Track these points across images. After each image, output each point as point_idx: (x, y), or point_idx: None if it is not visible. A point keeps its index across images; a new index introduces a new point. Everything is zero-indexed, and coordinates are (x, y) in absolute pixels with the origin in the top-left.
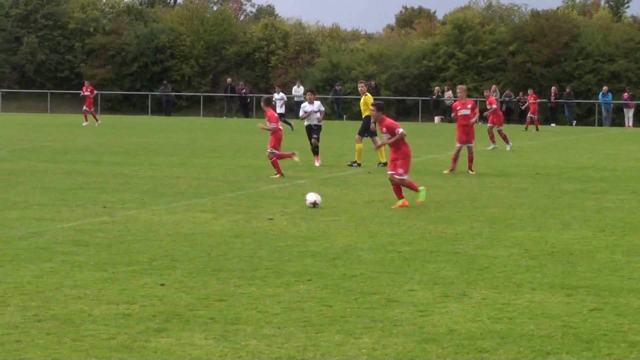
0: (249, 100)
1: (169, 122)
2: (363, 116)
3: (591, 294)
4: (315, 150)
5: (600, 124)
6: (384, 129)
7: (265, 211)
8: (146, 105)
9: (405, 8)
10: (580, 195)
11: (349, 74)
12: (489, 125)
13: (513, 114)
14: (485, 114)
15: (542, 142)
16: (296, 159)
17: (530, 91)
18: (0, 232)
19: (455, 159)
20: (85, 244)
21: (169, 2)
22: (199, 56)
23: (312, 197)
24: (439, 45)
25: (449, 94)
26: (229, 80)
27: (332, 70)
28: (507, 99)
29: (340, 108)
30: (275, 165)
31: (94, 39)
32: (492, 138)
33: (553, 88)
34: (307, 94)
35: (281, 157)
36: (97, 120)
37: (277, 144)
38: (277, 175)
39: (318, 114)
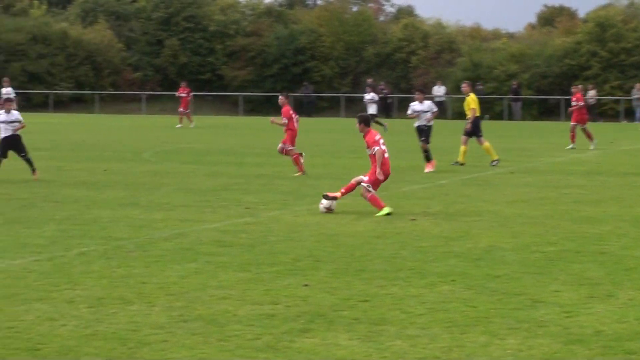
0: (389, 100)
1: (310, 123)
2: (467, 117)
3: None
4: (426, 155)
5: None
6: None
7: (408, 211)
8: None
9: (547, 6)
10: None
11: (491, 73)
12: (572, 123)
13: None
14: (569, 109)
15: None
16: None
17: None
18: (145, 234)
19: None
20: (228, 244)
21: (309, 4)
22: (339, 57)
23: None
24: (581, 44)
25: (592, 92)
26: (369, 81)
27: (473, 70)
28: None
29: (482, 108)
30: (296, 162)
31: (235, 41)
32: (572, 138)
33: None
34: (417, 93)
35: (288, 153)
36: (191, 121)
37: (290, 140)
38: (299, 173)
39: (428, 114)
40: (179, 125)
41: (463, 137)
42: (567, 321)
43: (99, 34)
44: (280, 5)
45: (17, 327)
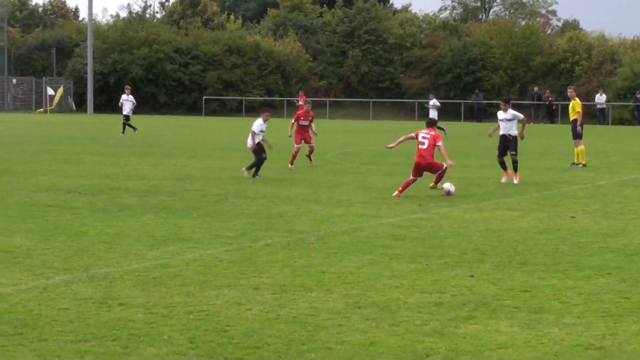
0: (554, 107)
1: (480, 127)
2: (571, 119)
3: None
4: (514, 166)
5: None
6: None
7: (568, 210)
8: (459, 112)
9: None
10: None
11: None
12: None
13: None
14: None
15: None
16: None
17: None
18: (325, 227)
19: None
20: (402, 238)
21: (480, 18)
22: (508, 67)
23: (447, 186)
24: None
25: None
26: (535, 89)
27: (633, 79)
28: None
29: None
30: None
31: (412, 52)
32: None
33: None
34: (502, 102)
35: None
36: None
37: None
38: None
39: (513, 122)
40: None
41: (577, 140)
42: None
43: (288, 46)
44: (455, 19)
45: (208, 311)
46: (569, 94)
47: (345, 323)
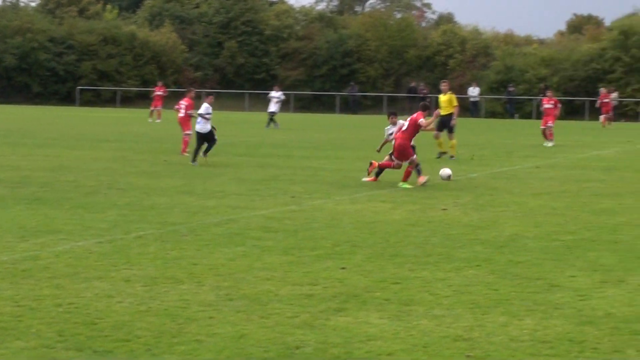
0: (428, 100)
1: (355, 120)
2: (445, 113)
3: None
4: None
5: None
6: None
7: (440, 202)
8: (334, 104)
9: (576, 15)
10: None
11: (522, 76)
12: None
13: None
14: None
15: None
16: None
17: (602, 90)
18: (198, 219)
19: None
20: (274, 230)
21: (357, 10)
22: (383, 59)
23: (446, 172)
24: (605, 50)
25: (614, 95)
26: (413, 84)
27: (505, 73)
28: None
29: (513, 108)
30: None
31: (288, 44)
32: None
33: None
34: (390, 116)
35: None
36: (159, 118)
37: None
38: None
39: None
40: (157, 120)
41: (450, 134)
42: (581, 304)
43: (164, 36)
44: (331, 11)
45: (77, 303)
46: (442, 87)
47: (216, 315)
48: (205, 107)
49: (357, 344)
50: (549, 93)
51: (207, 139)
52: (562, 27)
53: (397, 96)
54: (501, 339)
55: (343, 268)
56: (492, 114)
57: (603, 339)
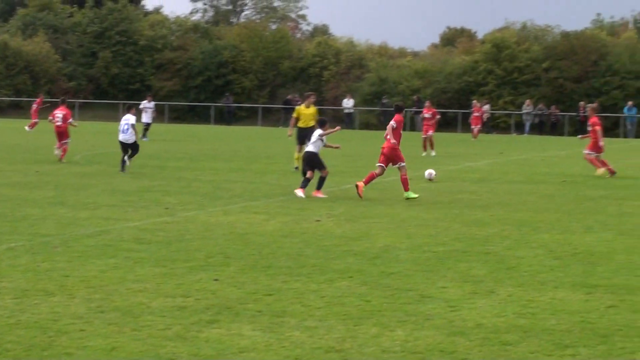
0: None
1: (230, 131)
2: (308, 126)
3: (609, 292)
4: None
5: (625, 136)
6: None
7: (314, 213)
8: (209, 115)
9: (449, 28)
10: (603, 201)
11: (396, 88)
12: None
13: (545, 126)
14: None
15: (570, 151)
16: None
17: (475, 102)
18: (70, 231)
19: None
20: (147, 241)
21: (232, 21)
22: (258, 71)
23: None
24: (478, 63)
25: (486, 107)
26: (289, 96)
27: (379, 85)
28: (540, 112)
29: (387, 120)
30: None
31: (163, 54)
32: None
33: (581, 103)
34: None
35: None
36: (30, 128)
37: None
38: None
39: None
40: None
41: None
42: (452, 315)
43: (38, 46)
44: (206, 22)
45: None
46: (310, 100)
47: (87, 328)
48: (134, 119)
49: (230, 356)
50: (427, 104)
51: (131, 147)
52: (436, 39)
53: (272, 107)
54: (373, 350)
55: (216, 280)
56: (367, 126)
57: (473, 349)
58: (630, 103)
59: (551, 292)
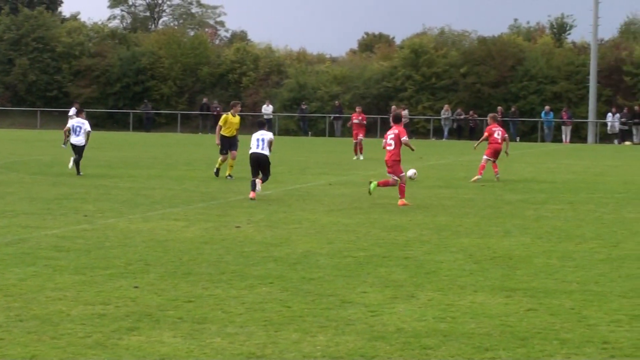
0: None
1: (149, 137)
2: (233, 135)
3: (528, 295)
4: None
5: (543, 140)
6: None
7: (234, 220)
8: (128, 122)
9: (367, 34)
10: (521, 205)
11: (315, 94)
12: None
13: (463, 130)
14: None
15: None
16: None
17: (394, 107)
18: None
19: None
20: (66, 249)
21: (150, 28)
22: (177, 77)
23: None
24: (397, 68)
25: (405, 112)
26: (204, 100)
27: (299, 91)
28: (458, 117)
29: (306, 125)
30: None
31: (80, 61)
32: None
33: (499, 107)
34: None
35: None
36: None
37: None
38: None
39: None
40: None
41: (235, 152)
42: (372, 320)
43: None
44: (124, 28)
45: None
46: (236, 109)
47: (6, 337)
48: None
49: None
50: (358, 109)
51: (80, 151)
52: (354, 45)
53: (190, 114)
54: (294, 355)
55: (136, 287)
56: (286, 132)
57: (394, 354)
58: (547, 108)
59: (471, 296)
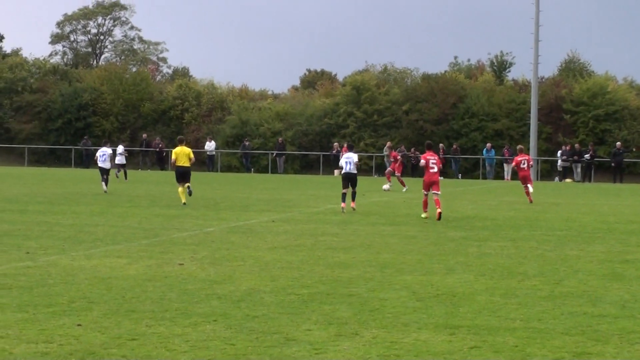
0: (164, 154)
1: (90, 174)
2: (186, 164)
3: (471, 332)
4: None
5: (485, 177)
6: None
7: (177, 257)
8: (70, 158)
9: (309, 70)
10: (464, 243)
11: (257, 130)
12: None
13: (406, 168)
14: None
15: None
16: None
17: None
18: None
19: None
20: (8, 287)
21: (92, 64)
22: (119, 113)
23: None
24: (339, 105)
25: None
26: (144, 136)
27: (241, 127)
28: (401, 153)
29: (249, 162)
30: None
31: (22, 97)
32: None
33: (441, 145)
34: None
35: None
36: None
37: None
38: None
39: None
40: None
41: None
42: (316, 357)
43: None
44: (66, 64)
45: None
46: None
47: None
48: None
49: None
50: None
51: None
52: (296, 82)
53: (132, 150)
54: None
55: (79, 325)
56: (229, 168)
57: None
58: (489, 145)
59: (415, 333)
